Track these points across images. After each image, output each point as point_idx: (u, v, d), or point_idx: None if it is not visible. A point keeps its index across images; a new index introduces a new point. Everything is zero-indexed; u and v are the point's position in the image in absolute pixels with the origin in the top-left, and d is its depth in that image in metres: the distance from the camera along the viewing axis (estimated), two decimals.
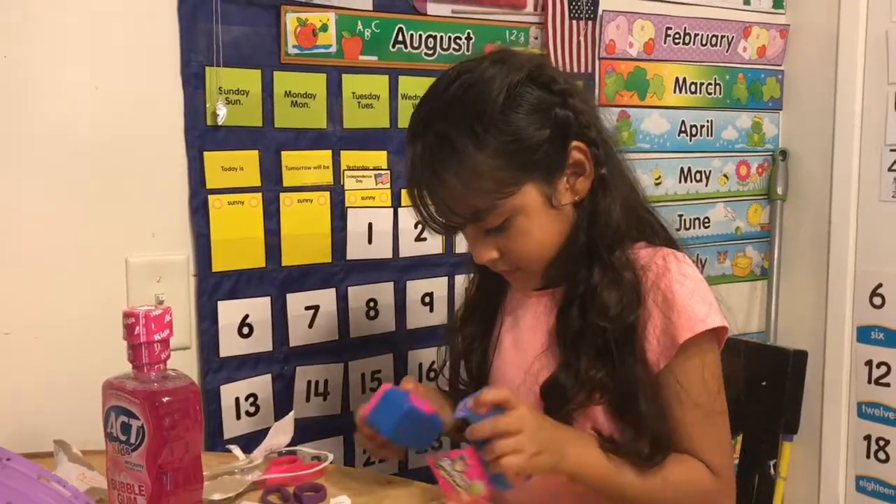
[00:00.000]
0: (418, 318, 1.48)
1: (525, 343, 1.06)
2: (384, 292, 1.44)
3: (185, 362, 1.25)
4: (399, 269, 1.45)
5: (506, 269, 1.02)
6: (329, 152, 1.36)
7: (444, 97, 0.96)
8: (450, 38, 1.45)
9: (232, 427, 1.31)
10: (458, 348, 1.15)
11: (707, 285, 1.00)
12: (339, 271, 1.39)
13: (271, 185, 1.31)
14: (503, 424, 0.88)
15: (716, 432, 0.98)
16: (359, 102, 1.38)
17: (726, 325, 0.98)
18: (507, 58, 0.98)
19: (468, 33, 1.47)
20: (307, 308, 1.36)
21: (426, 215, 0.99)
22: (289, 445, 1.11)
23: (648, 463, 0.95)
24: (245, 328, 1.31)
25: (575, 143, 0.97)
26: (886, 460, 1.80)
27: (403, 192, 1.43)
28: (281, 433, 1.10)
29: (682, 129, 1.82)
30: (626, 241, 1.00)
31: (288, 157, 1.32)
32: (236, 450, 1.09)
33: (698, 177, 1.87)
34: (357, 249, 1.40)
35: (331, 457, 1.10)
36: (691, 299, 0.96)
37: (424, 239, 1.46)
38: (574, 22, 1.58)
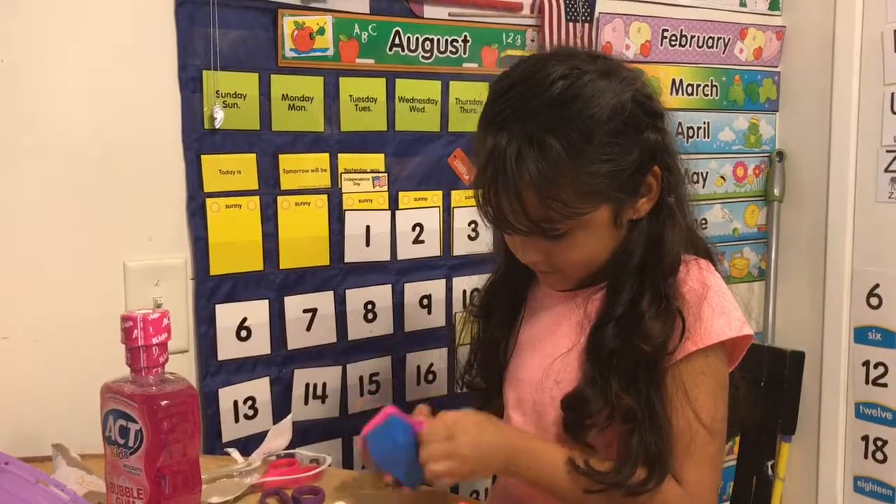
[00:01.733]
0: (416, 320, 1.48)
1: (545, 343, 1.05)
2: (382, 295, 1.44)
3: (183, 366, 1.25)
4: (397, 272, 1.45)
5: (545, 270, 1.00)
6: (326, 155, 1.36)
7: (544, 96, 0.90)
8: (447, 40, 1.46)
9: (230, 430, 1.31)
10: (481, 335, 1.14)
11: (729, 294, 0.99)
12: (337, 274, 1.39)
13: (269, 189, 1.31)
14: (431, 451, 0.92)
15: (702, 446, 0.95)
16: (356, 105, 1.38)
17: (744, 335, 0.97)
18: (615, 71, 0.94)
19: (465, 36, 1.48)
20: (305, 311, 1.37)
21: (494, 212, 0.94)
22: (287, 448, 1.11)
23: (641, 489, 0.93)
24: (243, 331, 1.31)
25: (655, 167, 0.95)
26: (884, 461, 1.80)
27: (401, 194, 1.44)
28: (279, 436, 1.10)
29: (679, 130, 1.82)
30: (679, 267, 0.98)
31: (285, 160, 1.33)
32: (235, 453, 1.09)
33: (695, 178, 1.87)
34: (355, 252, 1.40)
35: (329, 459, 1.10)
36: (709, 310, 0.95)
37: (422, 241, 1.47)
38: (570, 24, 1.58)
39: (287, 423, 1.11)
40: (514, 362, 1.09)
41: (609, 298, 0.98)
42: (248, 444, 1.26)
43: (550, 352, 1.03)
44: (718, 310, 0.96)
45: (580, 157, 0.89)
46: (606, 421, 0.95)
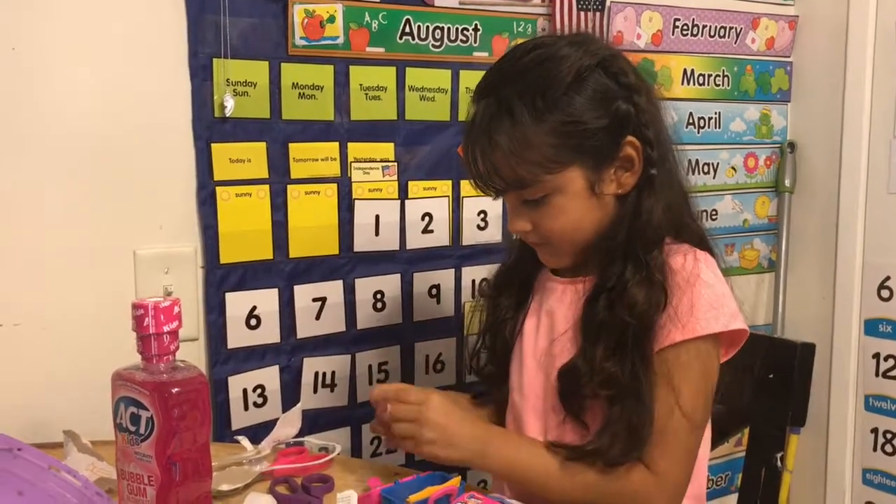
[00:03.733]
0: (425, 310, 1.48)
1: (546, 327, 1.07)
2: (391, 284, 1.44)
3: (193, 353, 1.26)
4: (406, 261, 1.45)
5: (536, 241, 1.04)
6: (336, 144, 1.36)
7: (516, 66, 0.98)
8: (457, 29, 1.45)
9: (240, 418, 1.31)
10: (491, 315, 1.15)
11: (724, 287, 1.00)
12: (346, 263, 1.39)
13: (279, 177, 1.31)
14: (397, 410, 0.99)
15: (679, 436, 0.96)
16: (366, 94, 1.38)
17: (736, 329, 0.98)
18: (585, 42, 1.00)
19: (475, 24, 1.47)
20: (314, 300, 1.37)
21: (474, 173, 1.01)
22: (296, 436, 1.11)
23: (614, 465, 0.95)
24: (253, 320, 1.31)
25: (630, 138, 0.97)
26: (893, 453, 1.80)
27: (410, 183, 1.43)
28: (288, 424, 1.10)
29: (690, 121, 1.81)
30: (664, 242, 1.00)
31: (295, 148, 1.32)
32: (244, 441, 1.09)
33: (706, 169, 1.86)
34: (364, 241, 1.40)
35: (338, 448, 1.10)
36: (699, 301, 0.96)
37: (431, 231, 1.47)
38: (582, 13, 1.57)
39: (296, 411, 1.11)
40: (520, 344, 1.11)
41: (601, 273, 1.01)
42: (257, 432, 1.27)
43: (550, 335, 1.06)
44: (709, 302, 0.97)
45: (543, 119, 0.95)
46: (598, 391, 0.97)
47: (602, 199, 0.99)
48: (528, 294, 1.13)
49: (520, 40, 1.51)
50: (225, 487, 0.97)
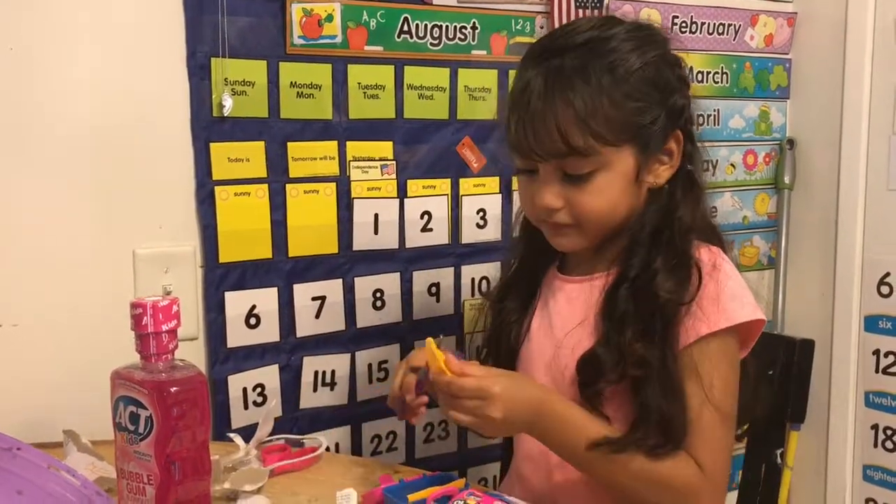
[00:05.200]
0: (424, 308, 1.48)
1: (555, 323, 1.07)
2: (390, 283, 1.44)
3: (192, 353, 1.26)
4: (405, 260, 1.45)
5: (564, 222, 1.00)
6: (335, 143, 1.36)
7: (582, 37, 0.97)
8: (455, 27, 1.45)
9: (240, 417, 1.31)
10: (496, 320, 1.15)
11: (740, 279, 1.00)
12: (346, 262, 1.39)
13: (277, 176, 1.32)
14: (461, 384, 0.90)
15: (714, 429, 0.96)
16: (364, 93, 1.38)
17: (757, 319, 0.98)
18: (647, 28, 1.01)
19: (473, 22, 1.47)
20: (314, 298, 1.37)
21: (525, 138, 0.96)
22: (295, 434, 1.11)
23: (655, 453, 0.94)
24: (252, 319, 1.31)
25: (677, 132, 0.99)
26: (894, 449, 1.80)
27: (409, 182, 1.43)
28: (267, 422, 1.10)
29: None
30: (693, 238, 1.00)
31: (294, 147, 1.32)
32: (238, 439, 1.09)
33: (705, 166, 1.84)
34: (363, 240, 1.40)
35: (324, 442, 1.11)
36: (721, 294, 0.96)
37: (431, 229, 1.47)
38: (580, 10, 1.57)
39: (271, 408, 1.11)
40: (527, 346, 1.11)
41: (623, 264, 1.00)
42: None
43: (560, 329, 1.05)
44: (730, 293, 0.97)
45: (618, 90, 0.95)
46: (619, 378, 0.96)
47: (640, 188, 1.00)
48: (533, 295, 1.13)
49: (519, 38, 1.52)
50: (248, 488, 0.97)
